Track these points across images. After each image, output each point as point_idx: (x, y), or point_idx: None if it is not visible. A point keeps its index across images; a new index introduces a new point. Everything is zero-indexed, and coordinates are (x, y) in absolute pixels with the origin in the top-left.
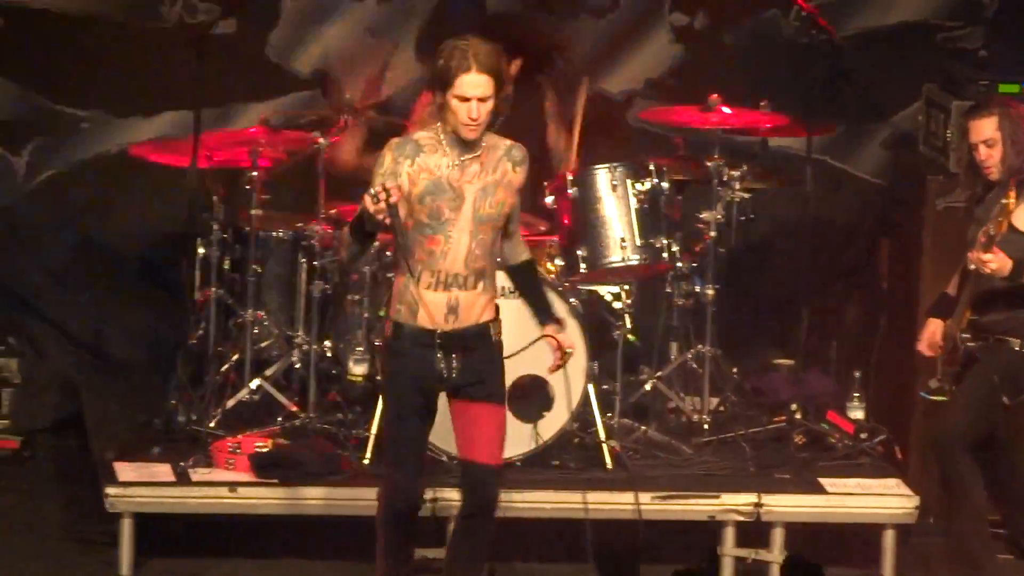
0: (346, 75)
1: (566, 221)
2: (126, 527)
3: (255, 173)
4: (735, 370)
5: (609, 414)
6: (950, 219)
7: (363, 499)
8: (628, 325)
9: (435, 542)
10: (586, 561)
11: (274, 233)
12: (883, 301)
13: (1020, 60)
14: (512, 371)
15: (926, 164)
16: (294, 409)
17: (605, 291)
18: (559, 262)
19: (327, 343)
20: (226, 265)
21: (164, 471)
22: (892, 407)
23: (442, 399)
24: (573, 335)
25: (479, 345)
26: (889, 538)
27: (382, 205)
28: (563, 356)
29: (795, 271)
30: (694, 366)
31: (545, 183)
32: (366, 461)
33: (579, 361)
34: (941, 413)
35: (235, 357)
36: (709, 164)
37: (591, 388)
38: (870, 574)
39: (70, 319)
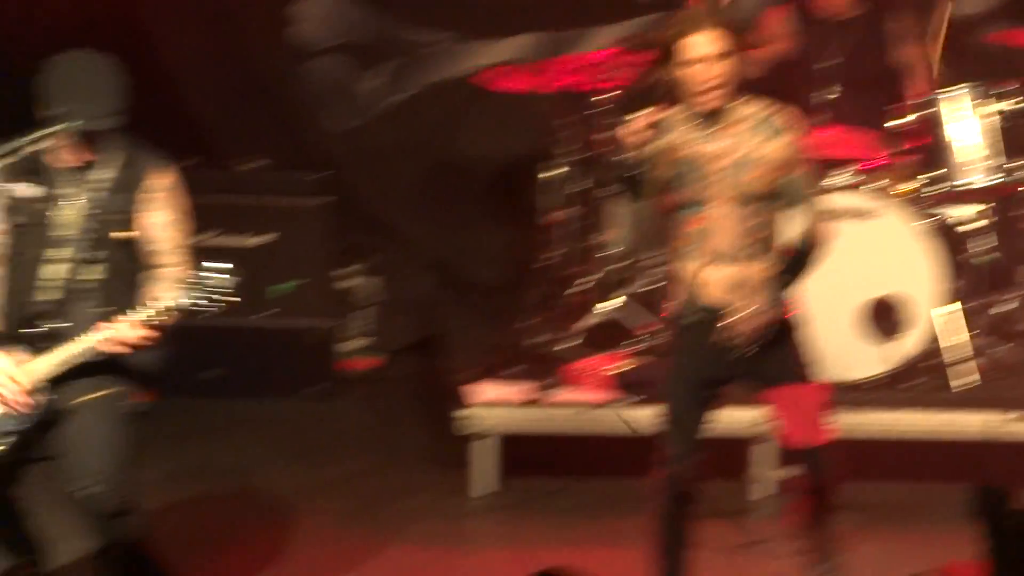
0: None
1: (922, 141)
2: (484, 447)
3: (604, 97)
4: None
5: (964, 334)
6: None
7: None
8: (985, 246)
9: None
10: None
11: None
12: None
13: None
14: (866, 291)
15: None
16: (651, 329)
17: (962, 211)
18: (916, 182)
19: None
20: (579, 187)
21: (522, 391)
22: None
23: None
24: (927, 256)
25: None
26: None
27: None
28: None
29: None
30: None
31: (898, 103)
32: None
33: (934, 282)
34: None
35: (590, 278)
36: None
37: (945, 309)
38: None
39: (427, 240)
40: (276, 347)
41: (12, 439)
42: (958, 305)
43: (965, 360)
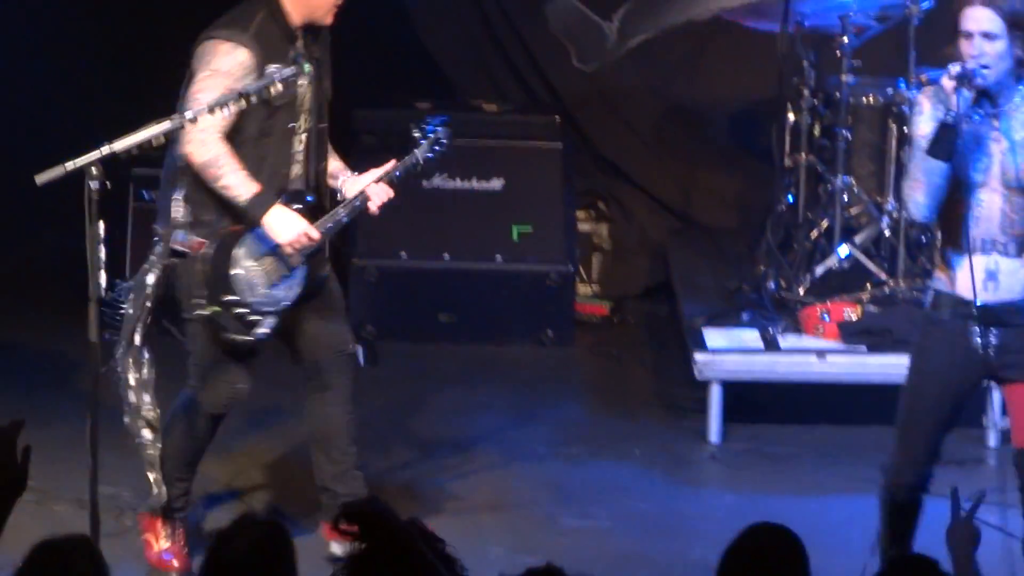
0: None
1: None
2: (715, 393)
3: (846, 38)
4: None
5: None
6: None
7: None
8: None
9: None
10: None
11: (864, 99)
12: None
13: None
14: None
15: None
16: (883, 277)
17: None
18: None
19: None
20: (816, 131)
21: (752, 338)
22: None
23: None
24: None
25: (1020, 320)
26: None
27: None
28: None
29: None
30: None
31: None
32: None
33: None
34: None
35: (824, 224)
36: None
37: None
38: None
39: (659, 184)
40: (513, 291)
41: (287, 306)
42: None
43: None
